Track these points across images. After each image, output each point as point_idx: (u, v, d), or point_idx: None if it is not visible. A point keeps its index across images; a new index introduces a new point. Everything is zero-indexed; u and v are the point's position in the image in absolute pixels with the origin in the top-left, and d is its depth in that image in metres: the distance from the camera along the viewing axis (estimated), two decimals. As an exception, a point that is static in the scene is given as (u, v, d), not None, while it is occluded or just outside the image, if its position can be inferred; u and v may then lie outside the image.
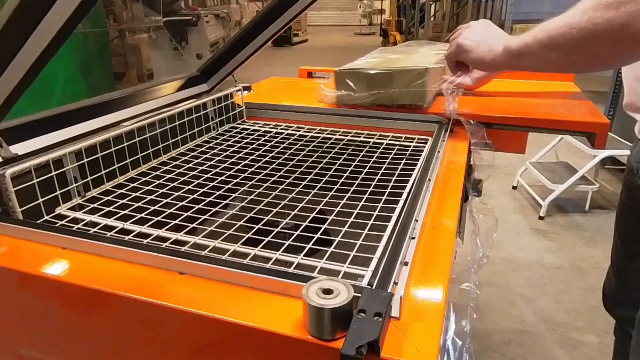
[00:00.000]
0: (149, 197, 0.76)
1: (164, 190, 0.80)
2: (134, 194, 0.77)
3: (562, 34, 0.65)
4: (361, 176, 0.84)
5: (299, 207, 0.72)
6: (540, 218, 2.73)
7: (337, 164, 0.91)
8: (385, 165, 0.89)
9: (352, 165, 0.90)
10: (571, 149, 2.94)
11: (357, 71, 1.10)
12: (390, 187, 0.79)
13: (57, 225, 0.67)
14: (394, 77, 1.06)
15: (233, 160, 0.95)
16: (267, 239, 0.62)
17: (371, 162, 0.91)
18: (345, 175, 0.85)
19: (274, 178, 0.86)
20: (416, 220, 0.62)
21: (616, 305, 1.05)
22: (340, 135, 1.09)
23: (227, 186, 0.82)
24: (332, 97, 1.15)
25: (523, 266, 2.29)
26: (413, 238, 0.59)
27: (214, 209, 0.73)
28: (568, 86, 1.42)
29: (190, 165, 0.92)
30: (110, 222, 0.68)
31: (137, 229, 0.65)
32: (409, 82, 1.05)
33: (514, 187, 3.12)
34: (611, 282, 1.06)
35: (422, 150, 0.97)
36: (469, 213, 0.97)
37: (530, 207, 2.88)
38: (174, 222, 0.67)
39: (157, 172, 0.87)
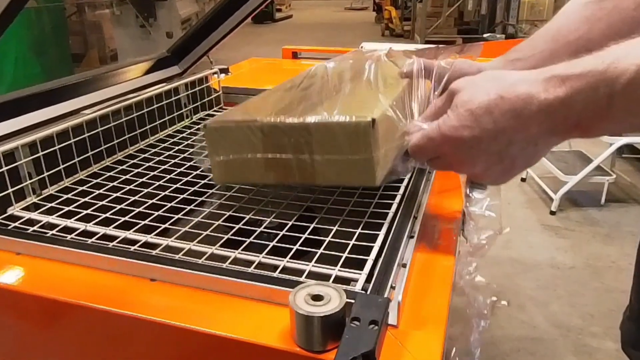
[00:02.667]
0: (115, 195, 0.76)
1: (131, 186, 0.79)
2: (97, 192, 0.77)
3: None
4: (353, 169, 0.84)
5: (284, 205, 0.72)
6: (552, 213, 2.76)
7: (327, 156, 0.90)
8: (380, 156, 0.89)
9: (344, 157, 0.89)
10: (585, 137, 2.97)
11: (245, 124, 0.65)
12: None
13: (9, 227, 0.66)
14: (313, 135, 0.62)
15: (209, 152, 0.95)
16: (248, 240, 0.62)
17: (364, 152, 0.91)
18: (336, 167, 0.85)
19: (256, 172, 0.85)
20: (415, 217, 0.62)
21: (635, 350, 1.05)
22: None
23: (203, 181, 0.81)
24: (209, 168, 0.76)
25: (533, 266, 2.32)
26: (412, 237, 0.59)
27: (189, 207, 0.72)
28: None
29: (161, 158, 0.91)
30: (70, 223, 0.67)
31: (102, 230, 0.65)
32: (343, 143, 0.61)
33: (523, 179, 3.15)
34: (628, 326, 1.06)
35: (421, 139, 0.97)
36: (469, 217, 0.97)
37: (541, 201, 2.91)
38: (143, 223, 0.67)
39: (124, 167, 0.87)
